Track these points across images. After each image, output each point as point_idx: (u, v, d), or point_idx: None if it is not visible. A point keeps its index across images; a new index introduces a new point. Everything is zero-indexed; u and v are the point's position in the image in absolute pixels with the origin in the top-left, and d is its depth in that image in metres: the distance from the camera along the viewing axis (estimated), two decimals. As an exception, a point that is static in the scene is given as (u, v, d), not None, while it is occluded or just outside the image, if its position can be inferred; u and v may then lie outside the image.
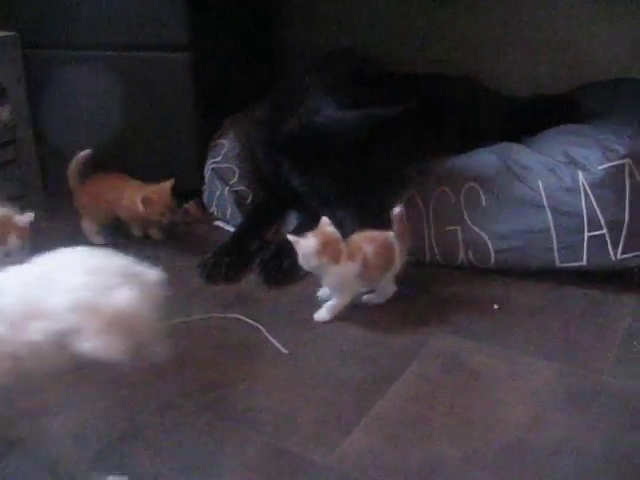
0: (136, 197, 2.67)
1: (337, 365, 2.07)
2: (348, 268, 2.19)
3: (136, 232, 2.86)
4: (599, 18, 3.19)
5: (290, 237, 2.22)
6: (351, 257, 2.19)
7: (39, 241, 2.74)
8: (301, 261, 2.21)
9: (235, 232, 2.82)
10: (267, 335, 2.20)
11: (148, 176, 2.79)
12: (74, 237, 2.82)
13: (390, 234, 2.24)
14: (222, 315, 2.29)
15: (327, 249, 2.16)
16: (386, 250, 2.23)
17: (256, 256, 2.67)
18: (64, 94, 3.07)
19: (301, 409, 1.91)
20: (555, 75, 3.29)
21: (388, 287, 2.32)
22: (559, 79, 3.29)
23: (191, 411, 1.90)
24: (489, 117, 3.03)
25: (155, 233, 2.87)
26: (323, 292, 2.35)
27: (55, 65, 3.05)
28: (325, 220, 2.23)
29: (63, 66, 3.03)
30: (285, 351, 2.14)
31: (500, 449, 1.74)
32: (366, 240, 2.22)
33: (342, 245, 2.19)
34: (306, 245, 2.18)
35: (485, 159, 2.60)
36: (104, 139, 2.95)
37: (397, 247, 2.24)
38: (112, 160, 2.89)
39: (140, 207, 2.66)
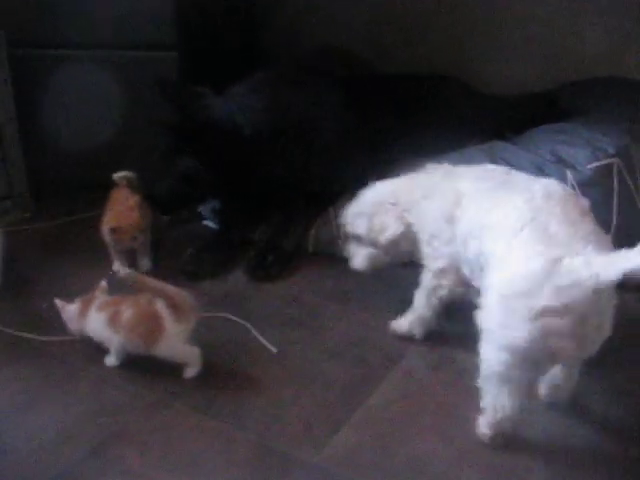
0: (105, 228, 2.48)
1: (325, 364, 2.07)
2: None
3: (115, 266, 2.51)
4: (584, 16, 3.21)
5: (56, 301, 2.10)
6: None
7: (24, 243, 2.75)
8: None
9: (217, 229, 2.83)
10: (256, 334, 2.19)
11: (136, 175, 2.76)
12: (59, 238, 2.81)
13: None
14: (210, 314, 2.28)
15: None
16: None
17: (239, 252, 2.67)
18: (51, 93, 3.05)
19: (289, 408, 1.90)
20: (540, 73, 3.31)
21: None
22: (544, 77, 3.31)
23: (180, 410, 1.89)
24: (470, 116, 3.05)
25: (144, 264, 2.59)
26: None
27: (42, 64, 3.03)
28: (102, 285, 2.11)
29: (50, 65, 3.01)
30: (274, 350, 2.13)
31: (489, 447, 1.73)
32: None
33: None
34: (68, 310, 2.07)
35: (474, 157, 2.60)
36: (91, 138, 2.93)
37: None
38: (99, 158, 2.87)
39: (109, 239, 2.48)
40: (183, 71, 2.94)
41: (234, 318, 2.27)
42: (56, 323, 2.11)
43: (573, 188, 2.39)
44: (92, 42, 2.98)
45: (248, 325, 2.23)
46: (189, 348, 1.97)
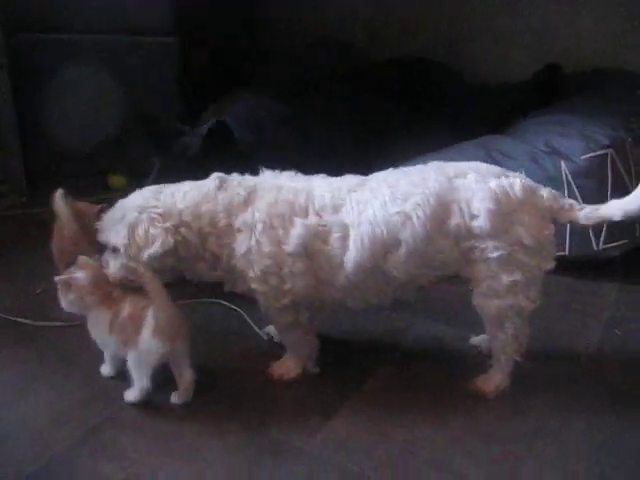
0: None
1: (319, 351, 2.07)
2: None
3: None
4: (581, 7, 3.21)
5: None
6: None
7: (19, 227, 2.74)
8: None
9: None
10: (248, 320, 2.19)
11: (133, 159, 2.75)
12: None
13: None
14: (204, 300, 2.28)
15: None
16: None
17: None
18: (48, 78, 3.04)
19: (283, 394, 1.91)
20: (537, 64, 3.30)
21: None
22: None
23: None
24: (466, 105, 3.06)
25: None
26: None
27: (39, 50, 3.02)
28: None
29: (47, 51, 3.01)
30: (265, 337, 2.14)
31: (482, 435, 1.75)
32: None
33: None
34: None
35: (469, 150, 2.60)
36: (89, 122, 2.92)
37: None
38: (97, 144, 2.86)
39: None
40: (182, 56, 2.93)
41: (227, 304, 2.27)
42: (50, 308, 2.10)
43: (567, 179, 2.41)
44: (90, 27, 2.97)
45: (241, 311, 2.23)
46: (145, 376, 1.83)
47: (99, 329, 1.87)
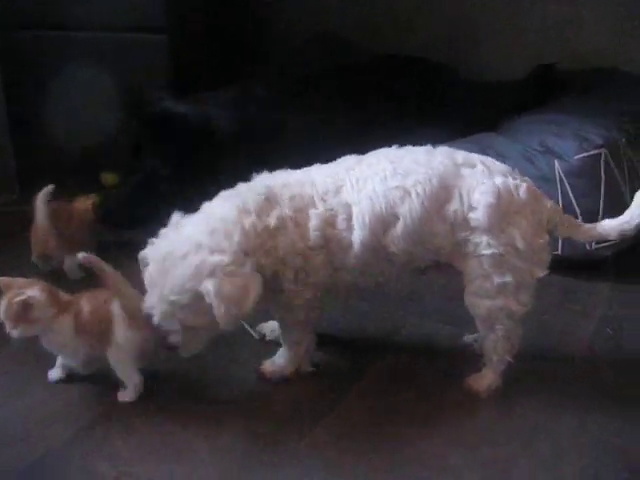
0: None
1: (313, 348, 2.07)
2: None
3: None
4: (581, 7, 3.22)
5: None
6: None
7: (12, 224, 2.73)
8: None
9: None
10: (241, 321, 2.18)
11: (123, 157, 2.74)
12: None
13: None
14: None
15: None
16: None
17: None
18: (40, 75, 3.02)
19: (276, 393, 1.90)
20: (538, 62, 3.30)
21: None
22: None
23: (167, 395, 1.89)
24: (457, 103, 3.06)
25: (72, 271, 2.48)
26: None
27: (30, 47, 3.01)
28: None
29: (38, 47, 2.99)
30: (256, 336, 2.13)
31: (476, 434, 1.75)
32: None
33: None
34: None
35: (463, 148, 2.59)
36: (80, 119, 2.91)
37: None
38: (87, 140, 2.85)
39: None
40: (173, 55, 2.92)
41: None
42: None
43: (561, 178, 2.41)
44: (81, 24, 2.96)
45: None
46: (133, 371, 1.85)
47: (63, 337, 1.82)
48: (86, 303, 1.83)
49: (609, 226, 1.83)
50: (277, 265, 1.76)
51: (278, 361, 1.97)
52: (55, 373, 1.94)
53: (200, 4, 3.11)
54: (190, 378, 1.93)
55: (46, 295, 1.79)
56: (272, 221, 1.74)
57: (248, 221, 1.72)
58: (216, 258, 1.66)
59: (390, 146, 1.88)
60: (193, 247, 1.67)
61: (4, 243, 2.60)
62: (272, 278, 1.77)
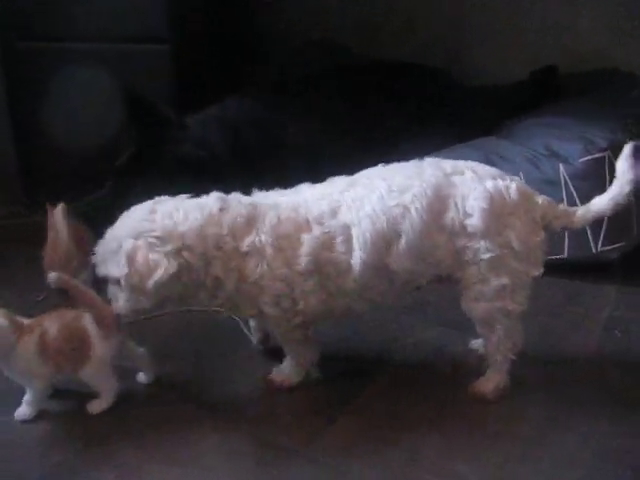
0: None
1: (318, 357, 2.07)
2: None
3: None
4: (581, 7, 3.21)
5: None
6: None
7: (15, 235, 2.73)
8: None
9: None
10: (242, 327, 2.18)
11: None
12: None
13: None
14: (201, 308, 2.27)
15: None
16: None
17: None
18: (43, 86, 3.03)
19: (284, 401, 1.91)
20: (537, 65, 3.30)
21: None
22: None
23: (174, 403, 1.89)
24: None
25: None
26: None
27: (33, 57, 3.02)
28: None
29: (41, 58, 3.00)
30: (254, 341, 2.12)
31: (483, 440, 1.74)
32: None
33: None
34: None
35: (466, 153, 2.60)
36: (84, 129, 2.92)
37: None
38: (90, 150, 2.86)
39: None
40: (175, 65, 2.93)
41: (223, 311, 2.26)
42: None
43: (566, 181, 2.41)
44: (83, 35, 2.97)
45: (236, 318, 2.22)
46: (110, 377, 1.84)
47: (27, 362, 1.76)
48: (52, 324, 1.79)
49: (602, 203, 1.82)
50: (247, 286, 1.75)
51: (285, 370, 1.97)
52: (23, 411, 1.84)
53: (202, 14, 3.11)
54: (197, 387, 1.93)
55: (8, 323, 1.74)
56: (243, 245, 1.74)
57: (212, 230, 1.74)
58: (147, 226, 1.72)
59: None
60: (145, 213, 1.76)
61: (14, 253, 2.60)
62: (245, 299, 1.79)
